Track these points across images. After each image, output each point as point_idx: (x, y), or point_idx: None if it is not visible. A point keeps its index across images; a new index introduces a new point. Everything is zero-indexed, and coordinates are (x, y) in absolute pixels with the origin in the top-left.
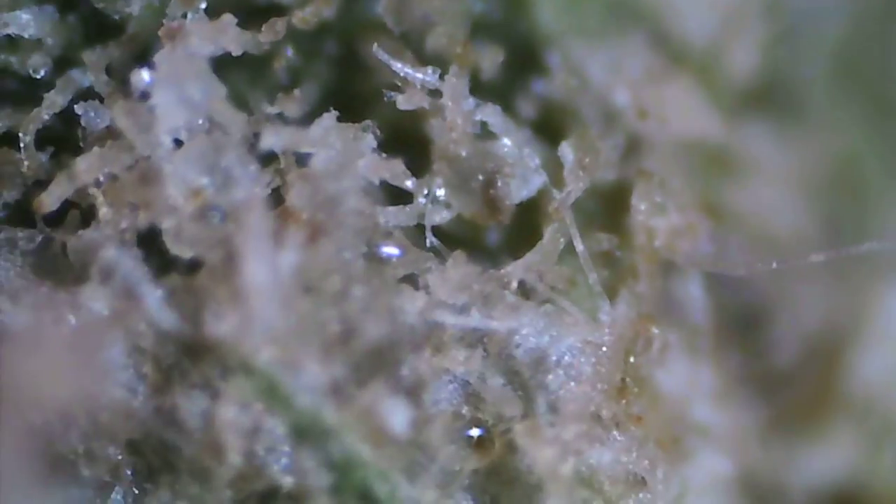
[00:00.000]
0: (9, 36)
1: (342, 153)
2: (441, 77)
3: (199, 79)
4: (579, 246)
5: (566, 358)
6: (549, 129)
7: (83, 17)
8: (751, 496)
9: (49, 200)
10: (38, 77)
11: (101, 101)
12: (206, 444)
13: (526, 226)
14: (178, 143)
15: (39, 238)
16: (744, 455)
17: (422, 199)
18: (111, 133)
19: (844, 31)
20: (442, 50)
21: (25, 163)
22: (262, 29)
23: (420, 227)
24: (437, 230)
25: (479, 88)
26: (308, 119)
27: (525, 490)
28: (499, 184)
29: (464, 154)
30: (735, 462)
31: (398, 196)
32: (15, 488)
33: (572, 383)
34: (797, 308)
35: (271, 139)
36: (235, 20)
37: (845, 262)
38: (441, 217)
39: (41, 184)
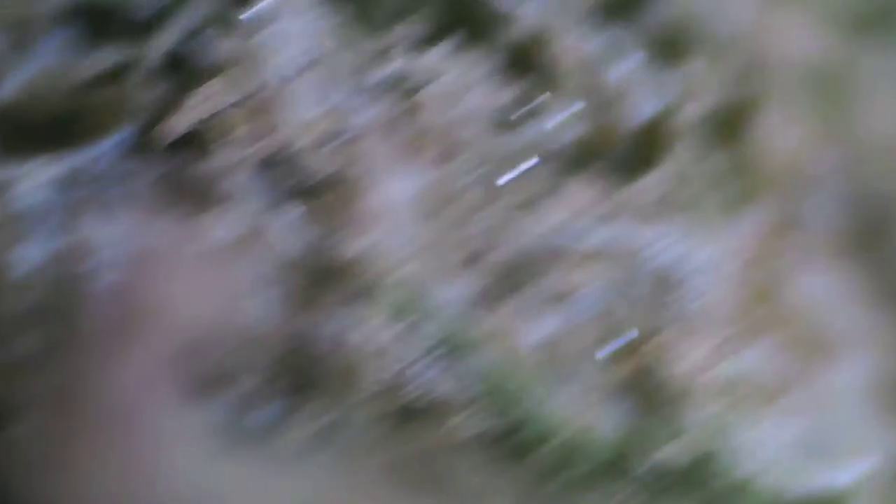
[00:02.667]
0: None
1: (462, 78)
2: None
3: (317, 6)
4: (704, 164)
5: (705, 268)
6: (670, 50)
7: None
8: (894, 399)
9: (173, 129)
10: (156, 9)
11: (220, 30)
12: (349, 361)
13: (649, 146)
14: (300, 69)
15: (166, 167)
16: (886, 359)
17: (546, 121)
18: (231, 62)
19: None
20: None
21: (148, 93)
22: None
23: (546, 148)
24: (562, 151)
25: (599, 10)
26: (428, 44)
27: (668, 398)
28: (621, 104)
29: (584, 76)
30: (877, 366)
31: (521, 119)
32: (161, 410)
33: (712, 292)
34: None
35: (393, 65)
36: None
37: None
38: (565, 138)
39: (165, 113)
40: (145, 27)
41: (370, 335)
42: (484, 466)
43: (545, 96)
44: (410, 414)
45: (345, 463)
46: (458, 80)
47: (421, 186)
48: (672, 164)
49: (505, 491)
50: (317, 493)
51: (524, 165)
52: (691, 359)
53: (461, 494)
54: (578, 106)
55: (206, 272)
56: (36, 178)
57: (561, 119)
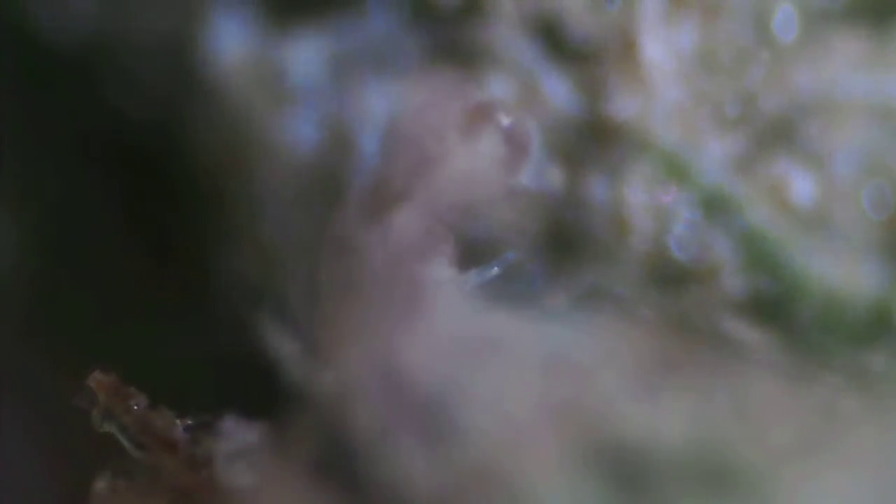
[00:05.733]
0: None
1: None
2: None
3: None
4: None
5: None
6: None
7: None
8: None
9: None
10: None
11: None
12: (614, 226)
13: None
14: None
15: (439, 31)
16: None
17: None
18: None
19: None
20: None
21: None
22: None
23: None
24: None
25: None
26: None
27: None
28: None
29: None
30: None
31: None
32: (429, 276)
33: None
34: None
35: None
36: None
37: None
38: None
39: None
40: None
41: (636, 199)
42: (750, 326)
43: None
44: (674, 277)
45: (609, 328)
46: None
47: (691, 44)
48: None
49: (772, 349)
50: (581, 355)
51: (791, 18)
52: None
53: (727, 356)
54: None
55: (472, 137)
56: (307, 51)
57: None
